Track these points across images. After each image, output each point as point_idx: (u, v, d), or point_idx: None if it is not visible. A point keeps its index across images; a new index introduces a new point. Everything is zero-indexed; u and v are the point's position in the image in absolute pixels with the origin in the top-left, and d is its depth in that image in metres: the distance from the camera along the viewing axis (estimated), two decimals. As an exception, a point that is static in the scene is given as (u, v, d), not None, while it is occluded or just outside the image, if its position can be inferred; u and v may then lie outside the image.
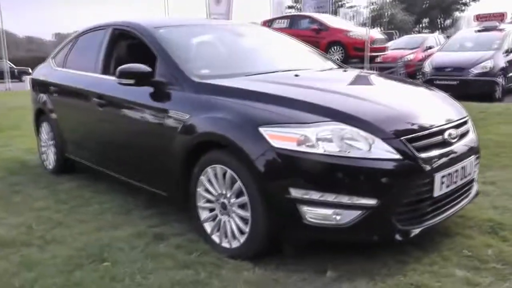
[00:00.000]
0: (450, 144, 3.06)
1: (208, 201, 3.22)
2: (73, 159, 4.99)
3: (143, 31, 4.00)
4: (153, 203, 4.15)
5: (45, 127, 5.43)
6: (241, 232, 3.02)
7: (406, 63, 14.52)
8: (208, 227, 3.24)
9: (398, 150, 2.77)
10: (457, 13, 57.04)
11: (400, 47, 17.91)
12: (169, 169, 3.43)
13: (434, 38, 19.36)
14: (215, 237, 3.19)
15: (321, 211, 2.73)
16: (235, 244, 3.06)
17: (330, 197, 2.71)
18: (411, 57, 16.11)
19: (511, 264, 2.90)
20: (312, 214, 2.74)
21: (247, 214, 2.93)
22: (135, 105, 3.76)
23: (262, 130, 2.80)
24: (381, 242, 2.95)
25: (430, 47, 17.45)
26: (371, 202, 2.71)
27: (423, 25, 58.35)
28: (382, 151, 2.75)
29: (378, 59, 15.40)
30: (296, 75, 3.66)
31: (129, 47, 4.53)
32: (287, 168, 2.75)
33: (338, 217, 2.74)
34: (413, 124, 2.98)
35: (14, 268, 3.02)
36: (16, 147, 7.00)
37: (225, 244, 3.12)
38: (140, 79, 3.57)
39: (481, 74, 10.92)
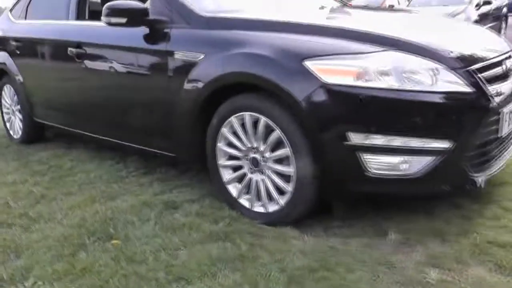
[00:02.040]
0: (508, 76, 2.60)
1: (232, 157, 2.65)
2: (45, 124, 4.25)
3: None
4: (148, 168, 3.54)
5: (7, 91, 4.65)
6: (280, 192, 2.46)
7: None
8: (233, 189, 2.68)
9: (469, 82, 2.27)
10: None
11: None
12: (177, 123, 2.84)
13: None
14: (244, 201, 2.64)
15: (387, 159, 2.23)
16: (272, 208, 2.52)
17: (397, 142, 2.20)
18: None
19: None
20: (376, 164, 2.23)
21: (289, 169, 2.39)
22: (126, 50, 3.11)
23: (308, 63, 2.24)
24: (452, 194, 2.49)
25: (391, 6, 17.01)
26: (445, 145, 2.24)
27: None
28: (452, 84, 2.26)
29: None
30: (322, 7, 3.06)
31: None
32: (345, 108, 2.22)
33: (405, 166, 2.24)
34: (475, 53, 2.49)
35: (-4, 255, 2.37)
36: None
37: (258, 209, 2.58)
38: (133, 17, 2.91)
39: (455, 28, 10.57)
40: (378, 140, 2.20)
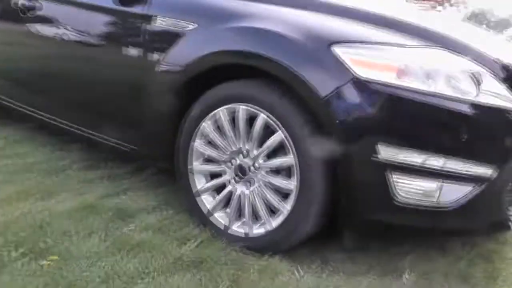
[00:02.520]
0: None
1: (210, 160, 2.07)
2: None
3: None
4: (95, 160, 2.88)
5: None
6: (271, 211, 1.92)
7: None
8: (206, 201, 2.10)
9: None
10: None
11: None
12: (145, 109, 2.24)
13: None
14: (219, 218, 2.07)
15: (421, 184, 1.75)
16: (257, 230, 1.97)
17: (438, 162, 1.71)
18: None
19: None
20: (407, 188, 1.75)
21: (289, 184, 1.85)
22: (90, 9, 2.48)
23: (338, 50, 1.72)
24: (490, 232, 2.04)
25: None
26: (487, 172, 1.78)
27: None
28: (504, 97, 1.80)
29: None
30: None
31: None
32: (380, 112, 1.70)
33: (441, 193, 1.75)
34: None
35: None
36: None
37: (237, 230, 2.02)
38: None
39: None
40: (414, 157, 1.71)
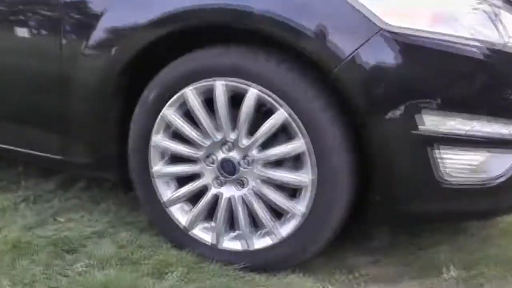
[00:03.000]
0: None
1: (180, 160, 1.56)
2: None
3: None
4: (9, 180, 2.18)
5: None
6: (277, 215, 1.47)
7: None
8: (180, 214, 1.59)
9: None
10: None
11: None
12: (74, 106, 1.69)
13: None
14: (202, 233, 1.58)
15: (471, 157, 1.37)
16: (261, 243, 1.50)
17: (485, 127, 1.35)
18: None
19: None
20: (455, 165, 1.36)
21: (302, 178, 1.39)
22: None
23: None
24: None
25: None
26: None
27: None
28: None
29: None
30: None
31: None
32: (420, 71, 1.30)
33: (487, 167, 1.40)
34: None
35: None
36: None
37: (230, 245, 1.55)
38: None
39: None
40: (460, 124, 1.34)
